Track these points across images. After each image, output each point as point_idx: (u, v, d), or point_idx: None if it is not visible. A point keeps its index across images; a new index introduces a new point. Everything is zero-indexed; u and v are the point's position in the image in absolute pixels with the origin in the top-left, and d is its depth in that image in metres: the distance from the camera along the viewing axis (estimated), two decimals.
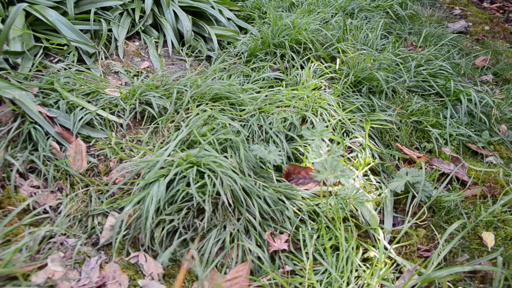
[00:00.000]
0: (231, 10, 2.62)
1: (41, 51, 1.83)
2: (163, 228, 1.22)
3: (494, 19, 3.72)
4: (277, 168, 1.51)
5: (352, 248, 1.22)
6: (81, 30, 1.99)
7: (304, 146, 1.58)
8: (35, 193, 1.34)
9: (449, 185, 1.63)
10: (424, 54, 2.34)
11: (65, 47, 1.89)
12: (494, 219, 1.46)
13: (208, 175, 1.25)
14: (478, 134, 1.98)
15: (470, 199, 1.58)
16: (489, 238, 1.39)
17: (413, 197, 1.48)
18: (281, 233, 1.29)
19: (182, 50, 2.25)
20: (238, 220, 1.26)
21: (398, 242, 1.34)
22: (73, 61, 1.86)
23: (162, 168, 1.31)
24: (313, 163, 1.52)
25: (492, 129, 2.03)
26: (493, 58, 2.81)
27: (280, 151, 1.48)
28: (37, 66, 1.74)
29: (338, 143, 1.61)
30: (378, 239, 1.29)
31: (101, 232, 1.26)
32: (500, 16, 3.83)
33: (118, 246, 1.22)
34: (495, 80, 2.59)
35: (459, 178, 1.67)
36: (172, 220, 1.22)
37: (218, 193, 1.24)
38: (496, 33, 3.43)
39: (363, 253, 1.27)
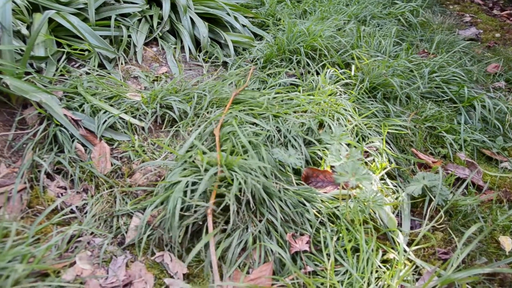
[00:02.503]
0: (246, 17, 2.67)
1: (64, 56, 1.89)
2: (187, 228, 1.25)
3: (504, 26, 3.74)
4: (296, 172, 1.54)
5: (372, 249, 1.24)
6: (101, 36, 2.05)
7: (322, 150, 1.61)
8: (62, 194, 1.38)
9: (465, 189, 1.65)
10: (437, 61, 2.36)
11: (86, 53, 1.94)
12: (511, 224, 1.48)
13: (231, 176, 1.28)
14: (492, 139, 1.99)
15: (486, 203, 1.59)
16: (506, 242, 1.41)
17: (430, 201, 1.50)
18: (302, 234, 1.31)
19: (199, 55, 2.30)
20: (260, 221, 1.29)
21: (416, 245, 1.36)
22: (94, 66, 1.91)
23: (185, 169, 1.35)
24: (331, 166, 1.55)
25: (506, 135, 2.04)
26: (505, 65, 2.83)
27: (299, 154, 1.51)
28: (60, 71, 1.79)
29: (355, 147, 1.63)
30: (397, 242, 1.31)
31: (126, 232, 1.29)
32: (510, 23, 3.84)
33: (143, 246, 1.26)
34: (508, 86, 2.61)
35: (474, 183, 1.68)
36: (195, 220, 1.25)
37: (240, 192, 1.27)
38: (507, 40, 3.44)
39: (383, 255, 1.29)
